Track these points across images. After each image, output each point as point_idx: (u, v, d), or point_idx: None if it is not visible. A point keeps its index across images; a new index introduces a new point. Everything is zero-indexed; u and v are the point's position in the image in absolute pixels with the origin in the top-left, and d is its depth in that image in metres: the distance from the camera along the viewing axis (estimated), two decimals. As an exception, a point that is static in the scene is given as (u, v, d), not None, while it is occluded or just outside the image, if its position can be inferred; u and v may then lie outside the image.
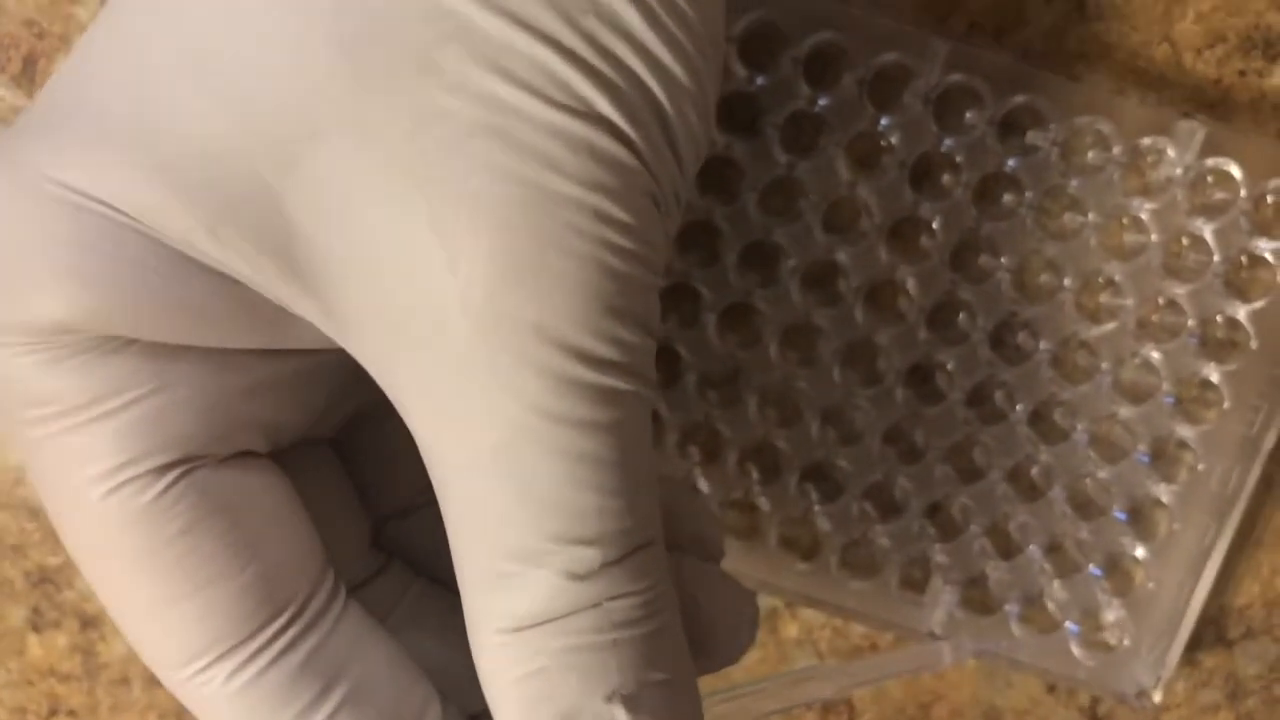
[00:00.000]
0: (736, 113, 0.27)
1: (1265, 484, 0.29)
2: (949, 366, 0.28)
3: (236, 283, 0.17)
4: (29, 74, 0.28)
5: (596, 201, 0.16)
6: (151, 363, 0.17)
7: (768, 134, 0.27)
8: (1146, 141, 0.26)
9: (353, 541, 0.21)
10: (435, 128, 0.16)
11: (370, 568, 0.21)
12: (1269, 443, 0.28)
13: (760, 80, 0.26)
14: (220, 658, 0.18)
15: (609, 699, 0.18)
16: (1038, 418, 0.28)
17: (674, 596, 0.19)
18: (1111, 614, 0.29)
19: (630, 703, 0.18)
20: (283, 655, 0.18)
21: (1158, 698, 0.29)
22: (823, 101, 0.27)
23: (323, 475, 0.21)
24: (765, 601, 0.30)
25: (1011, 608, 0.29)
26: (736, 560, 0.29)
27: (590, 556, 0.17)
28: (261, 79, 0.16)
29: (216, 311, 0.17)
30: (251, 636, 0.18)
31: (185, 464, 0.18)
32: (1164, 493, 0.28)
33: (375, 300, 0.17)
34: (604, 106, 0.17)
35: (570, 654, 0.17)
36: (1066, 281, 0.27)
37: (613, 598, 0.17)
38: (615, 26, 0.17)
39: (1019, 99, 0.26)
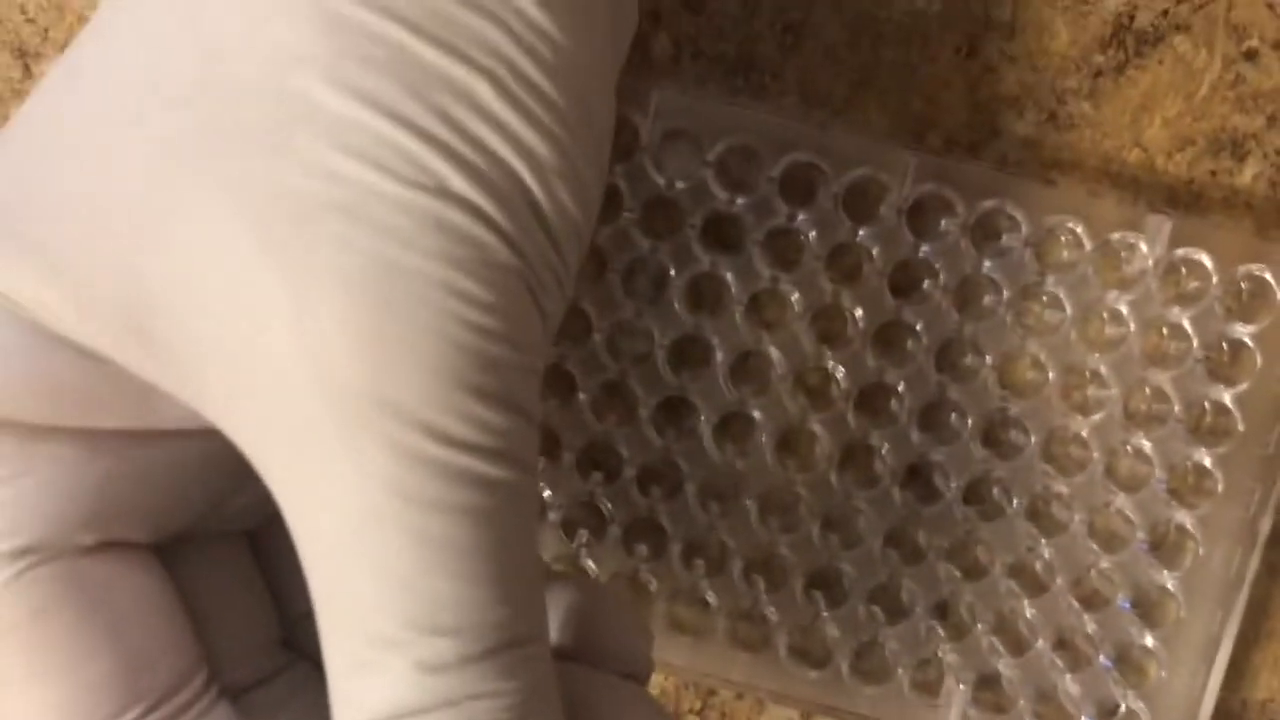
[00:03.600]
0: (723, 231, 0.28)
1: (1269, 571, 0.29)
2: (944, 465, 0.28)
3: (104, 360, 0.17)
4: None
5: (446, 275, 0.16)
6: (14, 443, 0.17)
7: (750, 250, 0.28)
8: (1116, 236, 0.27)
9: (250, 639, 0.21)
10: (287, 203, 0.16)
11: (270, 666, 0.21)
12: (1266, 526, 0.28)
13: (741, 200, 0.28)
14: None
15: None
16: (1035, 511, 0.29)
17: (557, 705, 0.18)
18: (1127, 705, 0.29)
19: None
20: None
21: (1182, 790, 0.28)
22: (802, 217, 0.28)
23: (221, 569, 0.21)
24: (782, 715, 0.30)
25: (1026, 705, 0.29)
26: (747, 673, 0.29)
27: (445, 648, 0.17)
28: (128, 146, 0.17)
29: (83, 389, 0.17)
30: None
31: (41, 550, 0.18)
32: (1168, 580, 0.28)
33: (230, 372, 0.17)
34: (457, 183, 0.16)
35: None
36: (1051, 376, 0.28)
37: (474, 696, 0.17)
38: (471, 104, 0.17)
39: (990, 203, 0.27)
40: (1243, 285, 0.28)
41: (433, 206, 0.16)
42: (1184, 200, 0.29)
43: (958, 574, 0.29)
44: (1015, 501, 0.28)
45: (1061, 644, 0.29)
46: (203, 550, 0.21)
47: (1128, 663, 0.29)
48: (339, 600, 0.17)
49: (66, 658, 0.18)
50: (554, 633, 0.22)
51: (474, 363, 0.17)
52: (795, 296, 0.28)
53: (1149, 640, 0.28)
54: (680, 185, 0.28)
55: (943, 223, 0.28)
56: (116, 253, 0.17)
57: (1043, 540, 0.28)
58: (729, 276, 0.28)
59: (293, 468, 0.17)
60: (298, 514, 0.17)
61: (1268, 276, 0.27)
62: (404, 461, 0.16)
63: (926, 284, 0.28)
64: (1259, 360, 0.28)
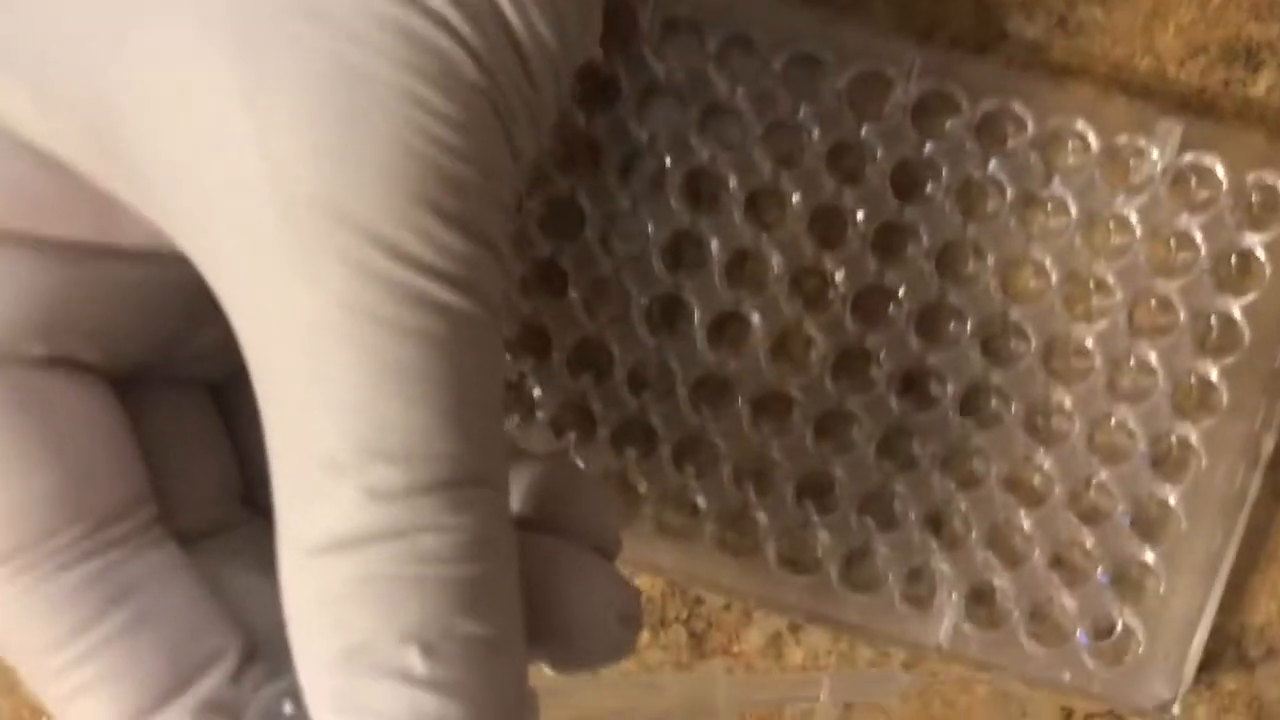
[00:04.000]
0: (723, 125, 0.27)
1: (1272, 494, 0.28)
2: (941, 371, 0.28)
3: (66, 170, 0.17)
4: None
5: (408, 83, 0.16)
6: None
7: (750, 146, 0.27)
8: (1124, 140, 0.27)
9: (205, 488, 0.21)
10: (252, 5, 0.16)
11: (226, 519, 0.21)
12: (1269, 444, 0.27)
13: (741, 91, 0.27)
14: (2, 556, 0.18)
15: (404, 640, 0.16)
16: (1033, 421, 0.28)
17: (509, 552, 0.18)
18: (1123, 623, 0.28)
19: (429, 650, 0.16)
20: (67, 566, 0.18)
21: (1177, 709, 0.28)
22: (804, 110, 0.27)
23: (179, 415, 0.21)
24: (769, 625, 0.30)
25: (1019, 619, 0.28)
26: (734, 578, 0.29)
27: (393, 476, 0.16)
28: None
29: (43, 196, 0.17)
30: (37, 541, 0.18)
31: None
32: (1169, 494, 0.28)
33: (186, 178, 0.16)
34: None
35: (365, 584, 0.16)
36: (1054, 282, 0.27)
37: (421, 529, 0.16)
38: None
39: (996, 102, 0.27)
40: (1253, 194, 0.27)
41: (396, 12, 0.16)
42: (1195, 110, 0.28)
43: (952, 484, 0.28)
44: (1013, 409, 0.28)
45: (1058, 560, 0.28)
46: (161, 394, 0.21)
47: (1125, 580, 0.28)
48: (288, 421, 0.17)
49: (13, 466, 0.18)
50: (516, 503, 0.21)
51: (434, 178, 0.16)
52: (796, 196, 0.28)
53: (1148, 556, 0.28)
54: (679, 75, 0.27)
55: (948, 123, 0.27)
56: (75, 52, 0.16)
57: (1040, 450, 0.28)
58: (728, 173, 0.27)
59: (245, 281, 0.17)
60: (250, 331, 0.17)
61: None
62: (357, 276, 0.16)
63: (930, 186, 0.28)
64: (1268, 271, 0.27)
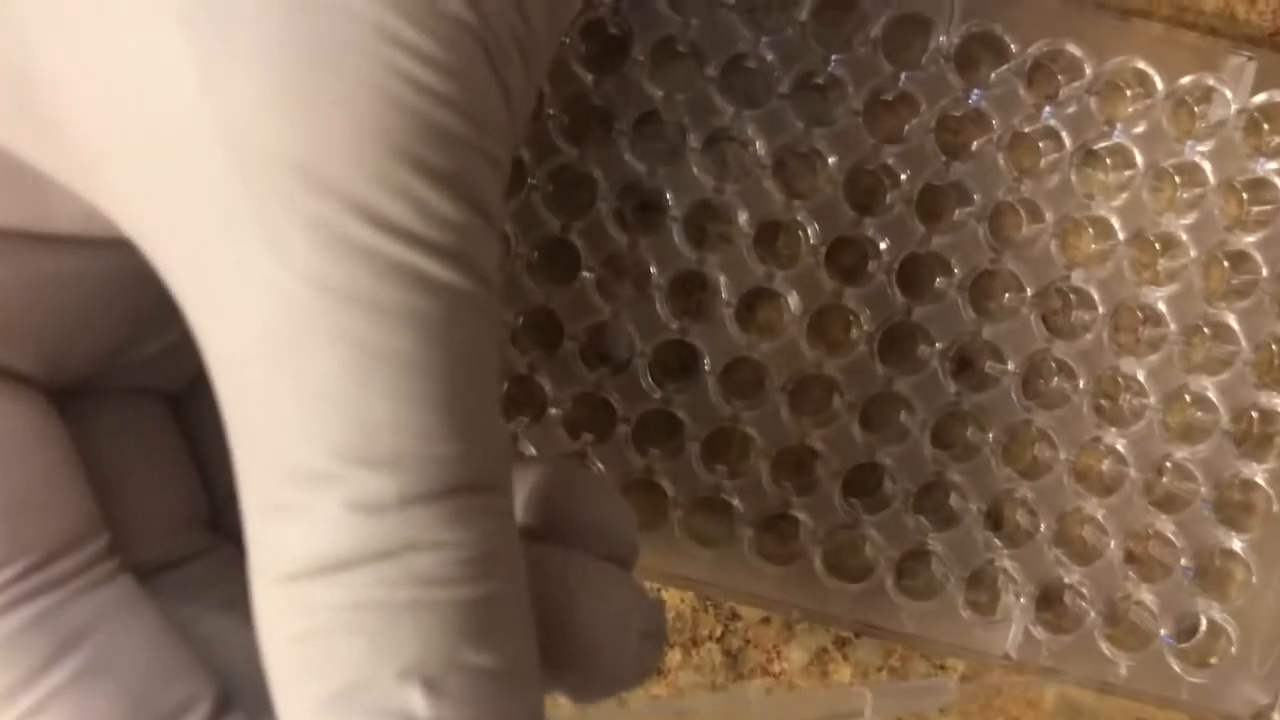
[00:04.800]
0: (747, 83, 0.25)
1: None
2: (997, 346, 0.25)
3: None
4: None
5: (382, 17, 0.13)
6: None
7: (777, 103, 0.24)
8: (1189, 80, 0.24)
9: (164, 515, 0.18)
10: None
11: (190, 548, 0.18)
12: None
13: (766, 41, 0.24)
14: None
15: (402, 677, 0.14)
16: (1102, 397, 0.25)
17: (517, 568, 0.15)
18: (1210, 620, 0.25)
19: (432, 687, 0.14)
20: (8, 609, 0.15)
21: (1277, 716, 0.25)
22: (835, 60, 0.24)
23: (132, 433, 0.18)
24: (813, 640, 0.27)
25: (1094, 621, 0.25)
26: (775, 588, 0.25)
27: (382, 485, 0.14)
28: None
29: None
30: None
31: None
32: (1256, 473, 0.25)
33: (124, 142, 0.14)
34: None
35: (354, 613, 0.14)
36: (1121, 239, 0.25)
37: (416, 547, 0.14)
38: None
39: (1047, 44, 0.24)
40: (1332, 137, 0.24)
41: None
42: (1267, 49, 0.26)
43: (1014, 473, 0.25)
44: (1080, 386, 0.25)
45: (1134, 554, 0.25)
46: (110, 408, 0.18)
47: (1210, 573, 0.25)
48: (255, 429, 0.14)
49: None
50: (520, 513, 0.19)
51: (416, 128, 0.13)
52: (831, 159, 0.25)
53: (1235, 544, 0.25)
54: (696, 30, 0.24)
55: (995, 70, 0.25)
56: None
57: (1111, 431, 0.25)
58: (754, 133, 0.25)
59: (194, 258, 0.14)
60: (204, 321, 0.14)
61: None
62: (330, 247, 0.13)
63: (977, 141, 0.25)
64: (1357, 218, 0.24)
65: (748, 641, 0.27)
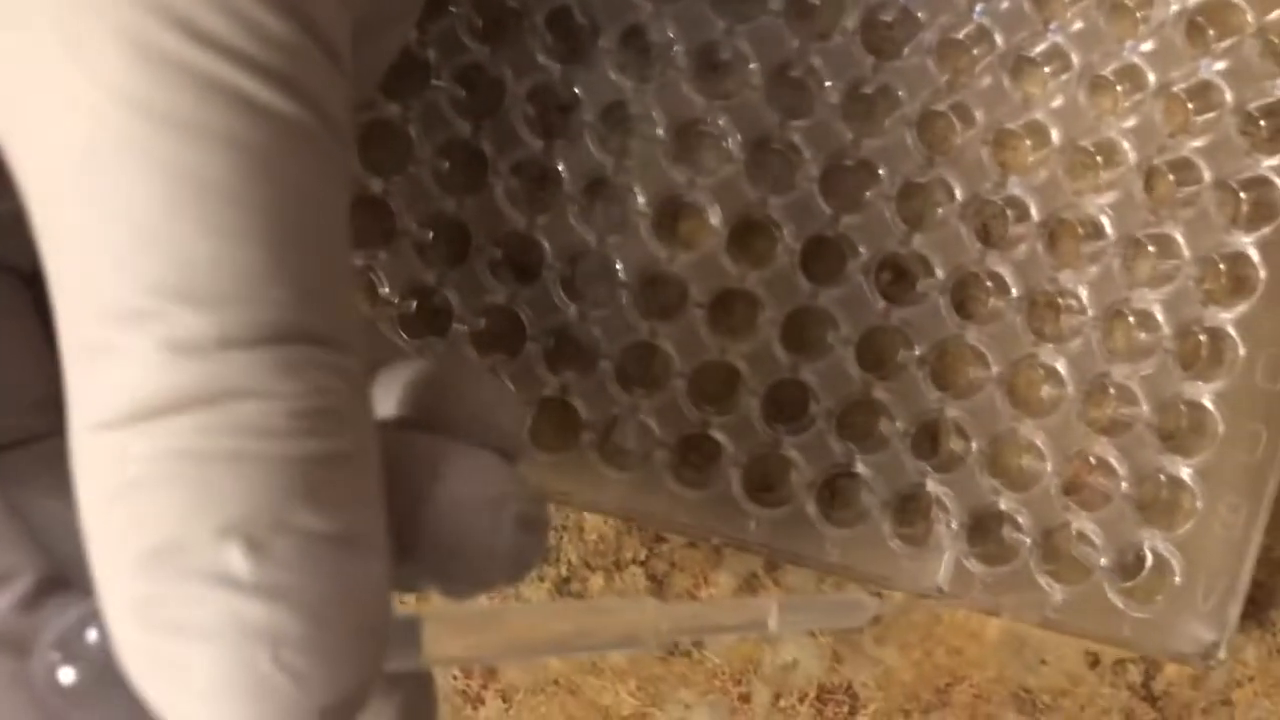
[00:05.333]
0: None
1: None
2: (926, 257, 0.24)
3: None
4: None
5: None
6: None
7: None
8: (1132, -23, 0.23)
9: (11, 391, 0.17)
10: None
11: (33, 431, 0.17)
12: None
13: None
14: None
15: (221, 534, 0.12)
16: (1038, 312, 0.24)
17: (365, 432, 0.14)
18: (1154, 552, 0.23)
19: (255, 547, 0.13)
20: None
21: (1223, 653, 0.23)
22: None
23: None
24: (743, 565, 0.25)
25: (1031, 552, 0.24)
26: (695, 513, 0.24)
27: (201, 324, 0.12)
28: None
29: None
30: None
31: None
32: (1202, 393, 0.23)
33: None
34: None
35: (171, 463, 0.13)
36: (1056, 147, 0.23)
37: (239, 394, 0.13)
38: None
39: (979, -63, 0.23)
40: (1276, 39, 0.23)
41: None
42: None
43: (945, 392, 0.24)
44: (1014, 300, 0.24)
45: (1071, 481, 0.24)
46: None
47: (1155, 502, 0.24)
48: (70, 266, 0.13)
49: None
50: (396, 405, 0.17)
51: None
52: (754, 65, 0.24)
53: (1182, 471, 0.23)
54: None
55: (924, -30, 0.24)
56: None
57: (1048, 348, 0.24)
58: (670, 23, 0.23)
59: (9, 86, 0.13)
60: (17, 150, 0.13)
61: (1316, 17, 0.23)
62: (143, 61, 0.12)
63: (907, 47, 0.24)
64: (1307, 122, 0.23)
65: (673, 565, 0.25)
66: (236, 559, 0.13)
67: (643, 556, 0.25)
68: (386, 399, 0.17)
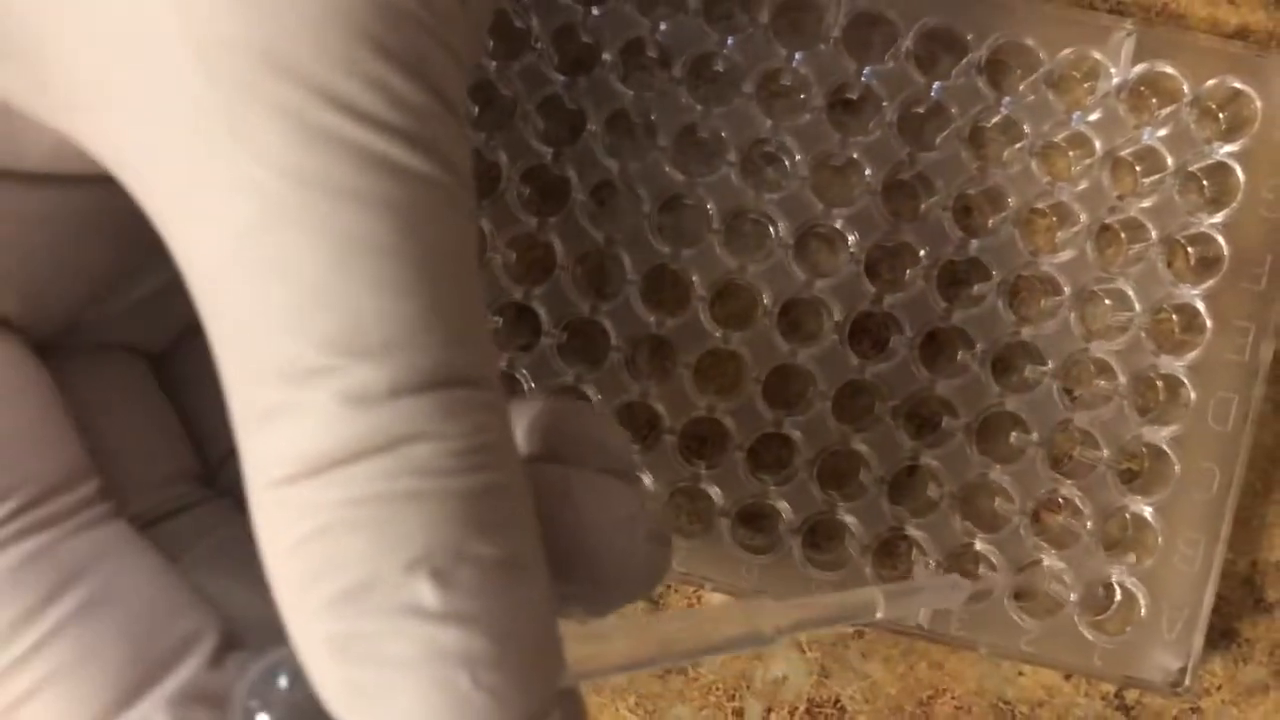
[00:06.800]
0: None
1: (1275, 410, 0.26)
2: (897, 316, 0.25)
3: None
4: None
5: None
6: None
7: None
8: (1069, 53, 0.25)
9: (152, 467, 0.18)
10: None
11: (181, 504, 0.18)
12: (1267, 355, 0.25)
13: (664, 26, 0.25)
14: None
15: (409, 569, 0.13)
16: (1000, 364, 0.26)
17: (515, 462, 0.15)
18: (1121, 585, 0.25)
19: (441, 578, 0.14)
20: (3, 546, 0.15)
21: (1189, 680, 0.25)
22: (730, 42, 0.25)
23: (117, 388, 0.18)
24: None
25: (1005, 589, 0.25)
26: (685, 559, 0.26)
27: (374, 376, 0.13)
28: None
29: None
30: None
31: None
32: (1158, 436, 0.25)
33: (85, 49, 0.14)
34: None
35: (355, 509, 0.13)
36: (1011, 206, 0.25)
37: (411, 438, 0.14)
38: None
39: (931, 22, 0.25)
40: (1210, 103, 0.25)
41: None
42: (1150, 20, 0.26)
43: (917, 442, 0.25)
44: (979, 348, 0.25)
45: (1040, 518, 0.26)
46: (92, 364, 0.18)
47: (1119, 541, 0.26)
48: (240, 335, 0.14)
49: None
50: (523, 443, 0.19)
51: (375, 11, 0.14)
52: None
53: (1143, 508, 0.25)
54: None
55: (887, 49, 0.26)
56: None
57: (1015, 396, 0.25)
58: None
59: (172, 170, 0.14)
60: (184, 234, 0.14)
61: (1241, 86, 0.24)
62: (301, 136, 0.13)
63: (873, 121, 0.26)
64: (1242, 178, 0.25)
65: (669, 587, 0.27)
66: (426, 591, 0.13)
67: (638, 600, 0.27)
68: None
